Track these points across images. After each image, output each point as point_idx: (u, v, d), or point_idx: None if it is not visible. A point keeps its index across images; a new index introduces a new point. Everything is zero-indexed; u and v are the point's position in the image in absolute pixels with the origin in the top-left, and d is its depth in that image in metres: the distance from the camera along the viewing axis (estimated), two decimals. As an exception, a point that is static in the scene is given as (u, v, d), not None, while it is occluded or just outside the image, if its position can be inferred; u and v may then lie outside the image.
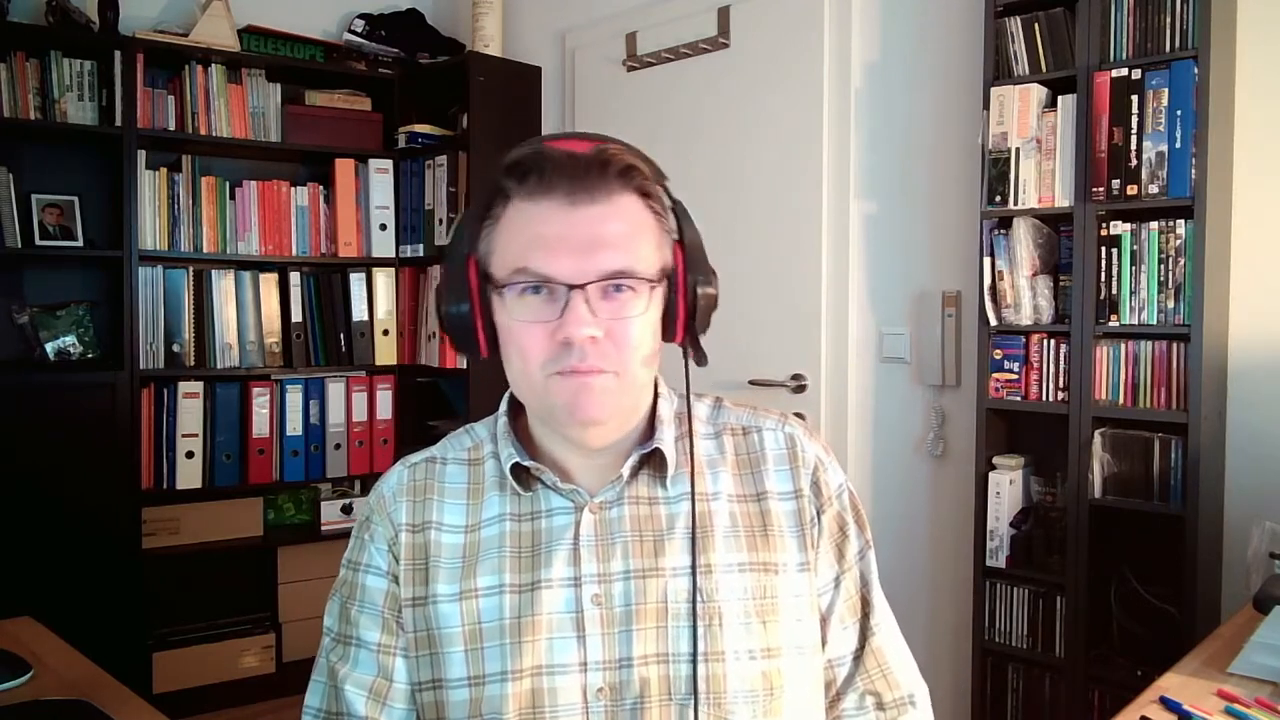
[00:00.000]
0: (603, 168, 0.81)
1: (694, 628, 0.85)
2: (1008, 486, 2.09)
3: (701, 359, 0.89)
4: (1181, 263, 1.84)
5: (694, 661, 0.84)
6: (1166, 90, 1.83)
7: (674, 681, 0.85)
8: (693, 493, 0.88)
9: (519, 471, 0.88)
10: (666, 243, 0.86)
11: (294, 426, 3.18)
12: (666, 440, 0.89)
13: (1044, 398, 2.03)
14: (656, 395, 0.92)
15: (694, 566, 0.86)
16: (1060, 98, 1.98)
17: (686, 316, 0.86)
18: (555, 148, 0.82)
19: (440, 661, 0.87)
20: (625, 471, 0.88)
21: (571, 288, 0.79)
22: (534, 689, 0.84)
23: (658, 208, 0.85)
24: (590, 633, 0.85)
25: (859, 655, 0.93)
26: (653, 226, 0.84)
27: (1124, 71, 1.88)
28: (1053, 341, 2.01)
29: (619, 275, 0.80)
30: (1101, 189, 1.91)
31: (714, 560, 0.87)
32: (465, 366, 3.01)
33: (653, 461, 0.89)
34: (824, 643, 0.92)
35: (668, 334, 0.87)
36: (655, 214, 0.85)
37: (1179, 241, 1.84)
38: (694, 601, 0.85)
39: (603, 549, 0.87)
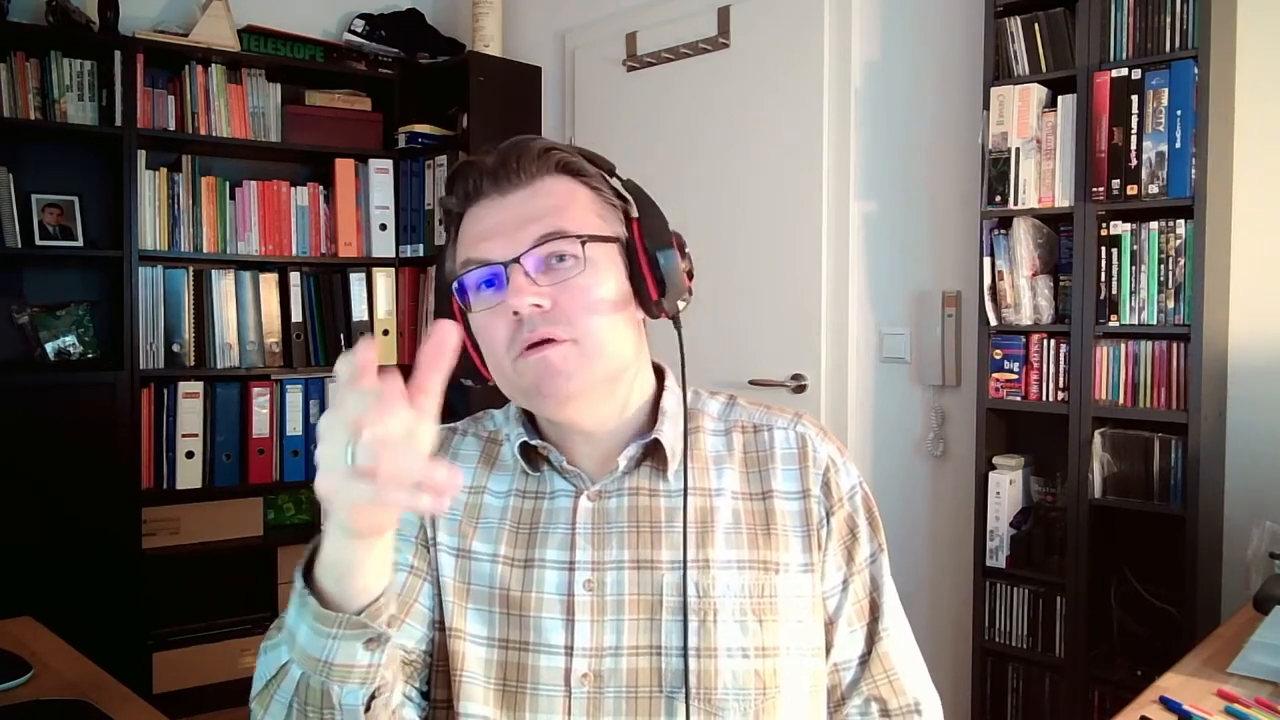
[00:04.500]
0: (520, 154, 0.85)
1: (684, 621, 0.85)
2: (1008, 486, 2.09)
3: (668, 317, 0.88)
4: (1181, 263, 1.84)
5: (685, 656, 0.84)
6: (1166, 90, 1.83)
7: (664, 675, 0.85)
8: (685, 485, 0.88)
9: (527, 451, 0.90)
10: (614, 215, 0.88)
11: (294, 426, 3.18)
12: (667, 432, 0.89)
13: (1044, 398, 2.02)
14: (663, 388, 0.92)
15: (684, 560, 0.86)
16: (1060, 98, 1.98)
17: (653, 281, 0.86)
18: (477, 156, 0.87)
19: (440, 604, 0.88)
20: (621, 463, 0.88)
21: (507, 264, 0.82)
22: (518, 663, 0.86)
23: (592, 184, 0.88)
24: (579, 618, 0.85)
25: (865, 660, 0.92)
26: (587, 199, 0.87)
27: (1124, 71, 1.88)
28: (1053, 341, 2.01)
29: (546, 239, 0.83)
30: (1101, 189, 1.91)
31: (712, 556, 0.87)
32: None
33: (656, 454, 0.89)
34: (830, 646, 0.91)
35: (646, 306, 0.88)
36: (591, 189, 0.88)
37: (1179, 241, 1.84)
38: (684, 595, 0.85)
39: (598, 537, 0.87)
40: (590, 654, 0.85)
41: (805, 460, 0.92)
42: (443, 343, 0.60)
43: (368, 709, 0.72)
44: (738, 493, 0.91)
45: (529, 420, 0.92)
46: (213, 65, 3.04)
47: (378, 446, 0.56)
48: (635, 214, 0.88)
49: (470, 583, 0.88)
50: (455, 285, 0.85)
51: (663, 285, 0.86)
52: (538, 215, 0.83)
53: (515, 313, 0.81)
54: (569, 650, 0.85)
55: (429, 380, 0.60)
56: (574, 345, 0.82)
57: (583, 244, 0.83)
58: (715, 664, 0.85)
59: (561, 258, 0.82)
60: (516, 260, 0.81)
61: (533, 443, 0.89)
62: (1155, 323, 1.87)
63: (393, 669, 0.75)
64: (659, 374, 0.94)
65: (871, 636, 0.92)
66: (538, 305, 0.81)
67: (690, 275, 0.89)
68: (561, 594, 0.86)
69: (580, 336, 0.82)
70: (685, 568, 0.86)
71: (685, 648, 0.84)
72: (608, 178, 0.90)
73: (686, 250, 0.89)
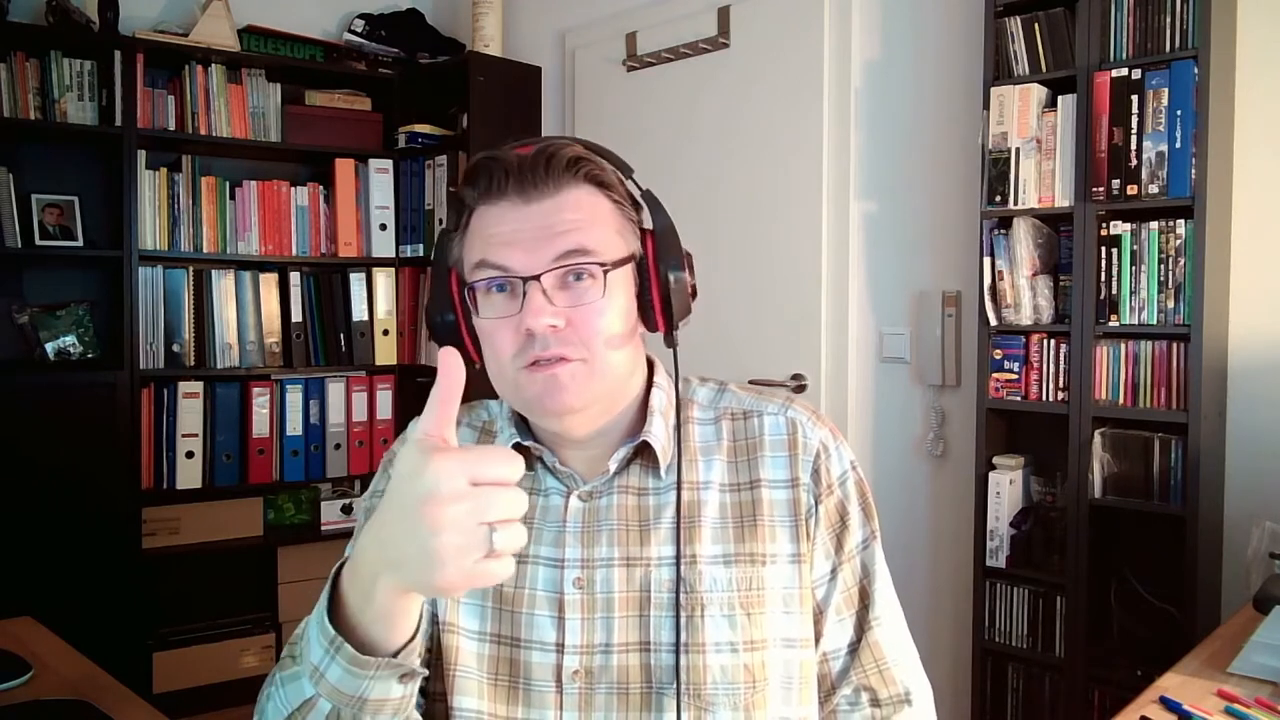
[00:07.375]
0: (549, 162, 0.83)
1: (677, 618, 0.85)
2: (1008, 486, 2.09)
3: (670, 342, 0.89)
4: (1181, 263, 1.84)
5: (676, 651, 0.85)
6: (1166, 90, 1.83)
7: (654, 670, 0.85)
8: (679, 484, 0.88)
9: (520, 451, 0.89)
10: (631, 230, 0.88)
11: (294, 426, 3.18)
12: (656, 432, 0.89)
13: (1044, 398, 2.02)
14: (652, 384, 0.92)
15: (678, 556, 0.86)
16: (1060, 98, 1.98)
17: (661, 304, 0.87)
18: (504, 151, 0.85)
19: (435, 599, 0.88)
20: (612, 466, 0.88)
21: (526, 280, 0.81)
22: (511, 659, 0.86)
23: (615, 197, 0.87)
24: (569, 616, 0.86)
25: (855, 649, 0.92)
26: (609, 214, 0.86)
27: (1124, 71, 1.88)
28: (1053, 341, 2.01)
29: (569, 257, 0.82)
30: (1101, 189, 1.91)
31: (699, 551, 0.87)
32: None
33: (645, 452, 0.90)
34: (820, 635, 0.91)
35: (649, 323, 0.88)
36: (613, 202, 0.87)
37: (1179, 241, 1.84)
38: (677, 592, 0.86)
39: (588, 535, 0.88)
40: (581, 651, 0.86)
41: (795, 447, 0.91)
42: (453, 377, 0.64)
43: None
44: (724, 485, 0.90)
45: (521, 421, 0.92)
46: (213, 65, 3.04)
47: (517, 531, 0.61)
48: (649, 226, 0.88)
49: None
50: (466, 288, 0.84)
51: (669, 308, 0.87)
52: (562, 229, 0.82)
53: (528, 329, 0.80)
54: (560, 647, 0.86)
55: (449, 415, 0.64)
56: (583, 364, 0.82)
57: (605, 272, 0.83)
58: (704, 659, 0.85)
59: (579, 276, 0.82)
60: (537, 277, 0.80)
61: (525, 443, 0.89)
62: (1155, 323, 1.87)
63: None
64: (649, 365, 0.94)
65: (861, 625, 0.92)
66: (553, 326, 0.81)
67: (694, 294, 0.89)
68: (553, 591, 0.87)
69: (590, 357, 0.82)
70: (678, 564, 0.86)
71: (677, 644, 0.85)
72: (626, 185, 0.89)
73: (694, 269, 0.89)
